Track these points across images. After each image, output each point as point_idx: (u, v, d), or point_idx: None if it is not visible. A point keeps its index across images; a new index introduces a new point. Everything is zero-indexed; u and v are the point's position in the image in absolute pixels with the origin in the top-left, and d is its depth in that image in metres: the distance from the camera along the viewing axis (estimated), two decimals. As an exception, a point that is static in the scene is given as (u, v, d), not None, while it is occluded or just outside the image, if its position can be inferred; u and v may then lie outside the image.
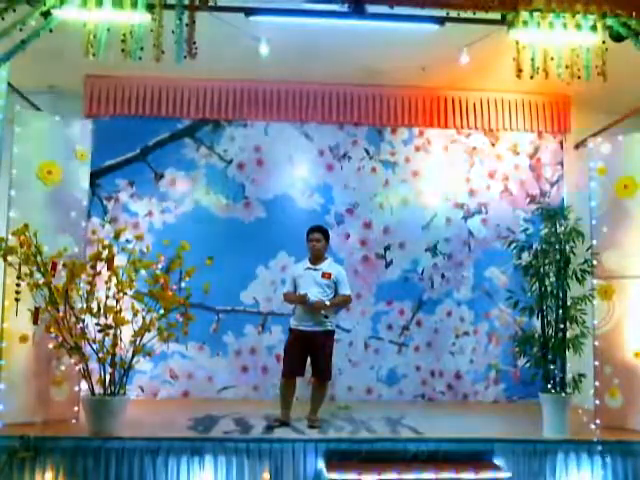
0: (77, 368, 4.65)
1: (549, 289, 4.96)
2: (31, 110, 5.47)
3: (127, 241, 4.84)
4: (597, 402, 5.13)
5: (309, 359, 5.06)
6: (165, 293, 4.61)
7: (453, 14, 4.64)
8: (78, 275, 4.54)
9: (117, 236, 4.70)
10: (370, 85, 6.61)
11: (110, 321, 4.50)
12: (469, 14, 4.58)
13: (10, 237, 4.58)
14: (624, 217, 5.22)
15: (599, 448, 4.51)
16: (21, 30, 4.33)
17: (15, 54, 4.43)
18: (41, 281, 4.50)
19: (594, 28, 4.58)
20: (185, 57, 4.41)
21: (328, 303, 4.99)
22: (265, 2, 4.71)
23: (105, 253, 4.59)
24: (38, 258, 4.50)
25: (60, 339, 4.54)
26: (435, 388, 6.63)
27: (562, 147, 6.96)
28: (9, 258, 4.50)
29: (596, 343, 5.18)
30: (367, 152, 6.82)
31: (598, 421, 5.03)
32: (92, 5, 4.36)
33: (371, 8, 4.68)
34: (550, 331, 4.93)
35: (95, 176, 6.29)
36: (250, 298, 6.58)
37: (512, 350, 6.01)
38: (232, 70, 6.23)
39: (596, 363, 5.16)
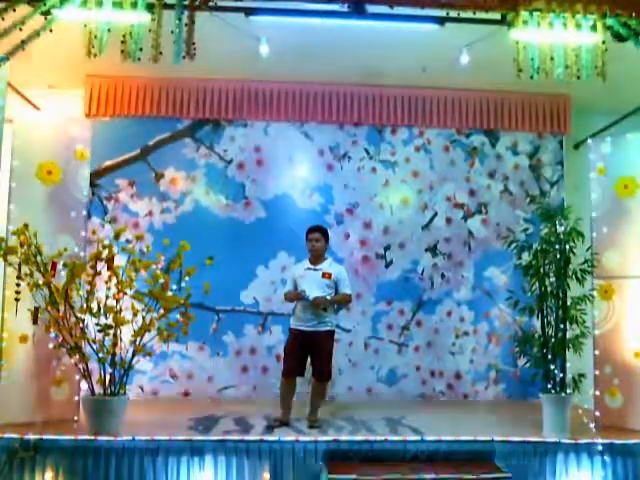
0: (77, 368, 4.66)
1: (549, 289, 4.97)
2: (31, 110, 5.46)
3: (127, 241, 4.84)
4: (597, 402, 5.13)
5: (309, 359, 5.06)
6: (165, 293, 4.61)
7: (453, 14, 4.64)
8: (78, 275, 4.54)
9: (117, 236, 4.70)
10: (370, 85, 6.60)
11: (110, 321, 4.50)
12: (469, 14, 4.58)
13: (10, 237, 4.58)
14: (624, 217, 5.22)
15: (599, 448, 4.51)
16: (21, 30, 4.33)
17: (15, 54, 4.42)
18: (41, 281, 4.50)
19: (594, 28, 4.58)
20: (184, 57, 4.41)
21: (329, 297, 5.01)
22: (265, 2, 4.71)
23: (105, 253, 4.59)
24: (38, 258, 4.50)
25: (60, 339, 4.54)
26: (435, 388, 6.63)
27: (562, 147, 6.96)
28: (9, 258, 4.50)
29: (596, 343, 5.18)
30: (367, 152, 6.82)
31: (598, 421, 5.03)
32: (92, 5, 4.36)
33: (371, 8, 4.68)
34: (550, 331, 4.93)
35: (95, 176, 6.29)
36: (250, 298, 6.57)
37: (512, 350, 6.01)
38: (232, 70, 6.22)
39: (596, 363, 5.17)
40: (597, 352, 5.18)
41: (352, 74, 6.32)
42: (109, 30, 4.34)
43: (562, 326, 4.90)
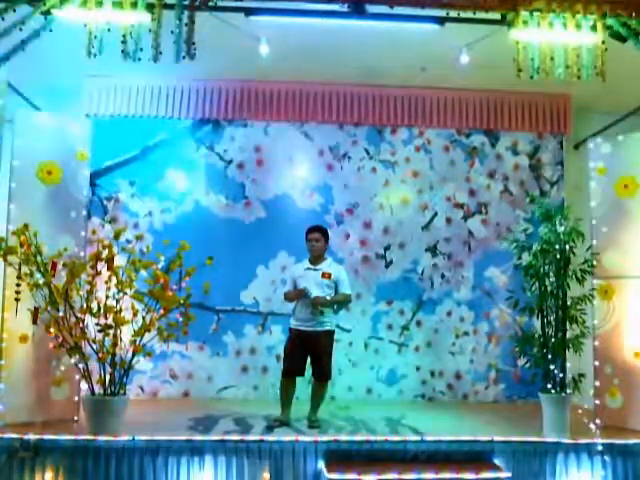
0: (77, 368, 4.65)
1: (549, 289, 4.97)
2: (31, 110, 5.47)
3: (127, 241, 4.84)
4: (597, 402, 5.13)
5: (309, 359, 5.06)
6: (165, 293, 4.61)
7: (453, 14, 4.63)
8: (78, 275, 4.54)
9: (117, 236, 4.69)
10: (370, 85, 6.60)
11: (110, 321, 4.50)
12: (469, 14, 4.57)
13: (10, 237, 4.57)
14: (624, 217, 5.22)
15: (599, 448, 4.51)
16: (21, 30, 4.32)
17: (15, 54, 4.42)
18: (41, 281, 4.51)
19: (594, 28, 4.57)
20: (184, 57, 4.41)
21: (329, 298, 5.01)
22: (265, 2, 4.71)
23: (105, 253, 4.60)
24: (38, 258, 4.51)
25: (60, 339, 4.54)
26: (435, 388, 6.63)
27: (562, 147, 6.96)
28: (9, 258, 4.50)
29: (596, 343, 5.18)
30: (367, 152, 6.82)
31: (598, 421, 5.02)
32: (92, 5, 4.35)
33: (371, 8, 4.67)
34: (550, 331, 4.93)
35: (95, 176, 6.30)
36: (250, 298, 6.57)
37: (512, 350, 6.00)
38: (232, 70, 6.22)
39: (596, 363, 5.17)
40: (597, 352, 5.18)
41: (352, 74, 6.32)
42: (109, 30, 4.34)
43: (562, 326, 4.90)
